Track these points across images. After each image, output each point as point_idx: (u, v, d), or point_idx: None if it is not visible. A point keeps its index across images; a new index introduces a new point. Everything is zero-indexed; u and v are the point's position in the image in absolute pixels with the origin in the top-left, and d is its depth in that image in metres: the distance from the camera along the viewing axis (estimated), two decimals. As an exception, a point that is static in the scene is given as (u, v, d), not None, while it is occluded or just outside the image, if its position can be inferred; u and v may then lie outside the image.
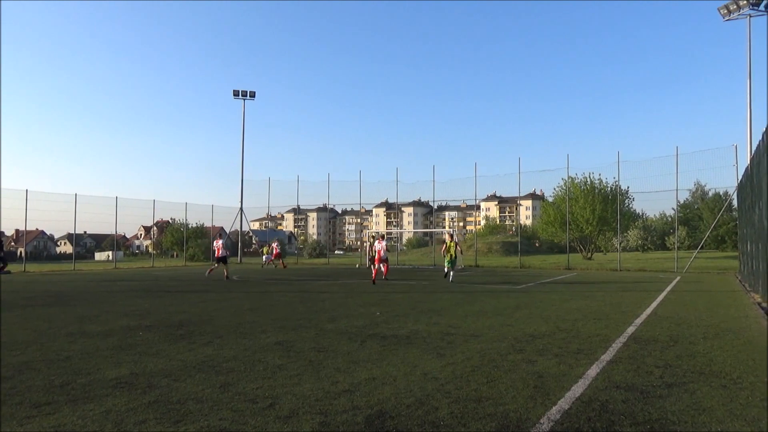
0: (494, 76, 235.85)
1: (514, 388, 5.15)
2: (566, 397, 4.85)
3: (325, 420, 4.22)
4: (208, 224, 48.13)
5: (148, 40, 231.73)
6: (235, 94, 45.31)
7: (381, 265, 20.83)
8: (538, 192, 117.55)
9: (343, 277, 22.84)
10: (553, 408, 4.53)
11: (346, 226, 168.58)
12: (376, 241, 21.36)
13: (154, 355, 6.68)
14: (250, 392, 5.00)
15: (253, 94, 45.58)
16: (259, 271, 29.13)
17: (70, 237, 32.19)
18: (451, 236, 23.04)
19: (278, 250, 34.01)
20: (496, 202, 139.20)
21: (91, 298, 14.34)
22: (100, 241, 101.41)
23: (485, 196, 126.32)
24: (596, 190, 44.00)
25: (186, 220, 47.94)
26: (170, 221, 65.70)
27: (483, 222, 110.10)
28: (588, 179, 44.49)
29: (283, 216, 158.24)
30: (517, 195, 35.48)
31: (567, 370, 5.88)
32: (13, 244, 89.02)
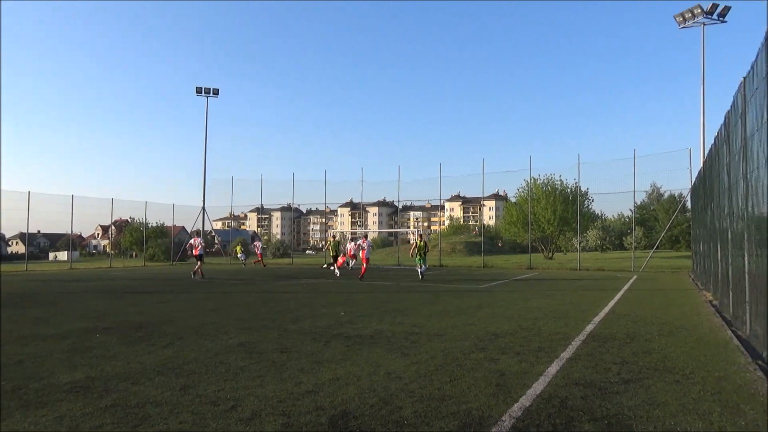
0: (458, 78, 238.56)
1: (477, 386, 5.21)
2: (527, 394, 4.93)
3: (288, 421, 4.19)
4: (168, 224, 47.16)
5: (106, 35, 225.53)
6: (198, 91, 44.49)
7: (354, 262, 22.28)
8: (501, 193, 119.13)
9: (306, 277, 22.70)
10: (515, 405, 4.60)
11: (311, 225, 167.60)
12: (361, 240, 22.68)
13: (111, 358, 6.50)
14: (211, 394, 4.92)
15: (216, 92, 44.84)
16: (229, 272, 28.67)
17: (22, 236, 31.04)
18: (421, 236, 23.76)
19: (260, 251, 36.31)
20: (460, 203, 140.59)
21: (44, 299, 13.87)
22: (55, 241, 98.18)
23: (449, 197, 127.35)
24: (557, 191, 44.90)
25: (146, 219, 46.88)
26: (129, 220, 64.09)
27: (447, 222, 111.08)
28: (549, 180, 45.39)
29: (246, 215, 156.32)
30: (480, 195, 35.90)
31: (528, 367, 5.99)
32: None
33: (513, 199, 49.99)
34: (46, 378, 5.53)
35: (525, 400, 4.74)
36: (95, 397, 4.86)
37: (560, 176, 45.51)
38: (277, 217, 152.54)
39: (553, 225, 44.14)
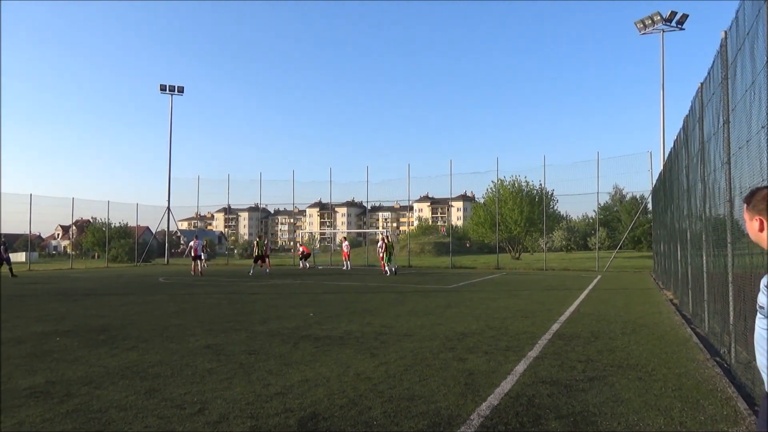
0: (426, 80, 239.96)
1: (446, 385, 5.24)
2: (495, 393, 4.99)
3: (257, 424, 4.14)
4: (132, 223, 46.07)
5: (69, 29, 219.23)
6: (162, 88, 43.62)
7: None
8: (469, 193, 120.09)
9: (274, 278, 22.50)
10: (483, 404, 4.65)
11: (279, 226, 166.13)
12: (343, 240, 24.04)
13: (72, 362, 6.32)
14: (177, 398, 4.83)
15: (181, 90, 44.04)
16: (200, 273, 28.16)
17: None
18: (387, 237, 24.65)
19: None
20: (429, 203, 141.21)
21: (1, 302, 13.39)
22: (13, 242, 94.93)
23: (418, 197, 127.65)
24: (524, 192, 45.52)
25: (108, 219, 45.68)
26: (91, 220, 62.37)
27: (416, 223, 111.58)
28: (516, 182, 45.97)
29: (213, 215, 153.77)
30: (449, 196, 36.15)
31: (496, 366, 6.06)
32: None
33: (481, 200, 50.46)
34: (3, 383, 5.35)
35: (493, 399, 4.79)
36: (56, 402, 4.72)
37: (526, 178, 46.14)
38: (244, 217, 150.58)
39: (519, 226, 44.72)
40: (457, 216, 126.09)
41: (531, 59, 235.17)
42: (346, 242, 32.45)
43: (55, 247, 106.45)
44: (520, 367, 6.01)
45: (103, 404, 4.65)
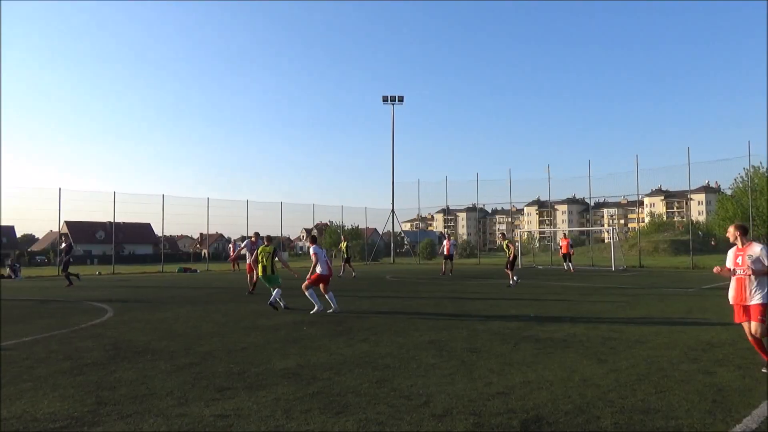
0: (654, 55, 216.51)
1: (688, 400, 4.68)
2: (753, 415, 4.30)
3: (479, 421, 4.20)
4: (362, 226, 50.34)
5: (307, 51, 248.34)
6: (384, 99, 46.74)
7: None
8: (712, 184, 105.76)
9: (495, 278, 22.50)
10: (737, 426, 4.05)
11: (497, 225, 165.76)
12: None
13: (317, 350, 7.14)
14: (405, 389, 5.14)
15: (401, 99, 46.69)
16: (417, 272, 29.74)
17: (242, 239, 35.97)
18: (506, 238, 21.37)
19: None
20: (662, 197, 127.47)
21: (262, 295, 15.71)
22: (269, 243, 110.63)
23: (649, 191, 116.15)
24: (787, 180, 38.36)
25: (342, 222, 50.68)
26: (328, 223, 69.72)
27: (647, 219, 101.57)
28: (775, 168, 38.92)
29: (433, 217, 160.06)
30: (686, 188, 32.19)
31: (753, 384, 5.21)
32: (198, 246, 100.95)
33: (728, 192, 43.85)
34: (264, 364, 6.28)
35: (750, 422, 4.13)
36: (304, 383, 5.38)
37: (791, 162, 38.81)
38: (462, 217, 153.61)
39: (782, 220, 37.77)
40: (698, 210, 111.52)
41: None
42: (566, 241, 29.23)
43: (301, 248, 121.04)
44: (787, 387, 5.08)
45: (342, 389, 5.16)
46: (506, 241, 20.00)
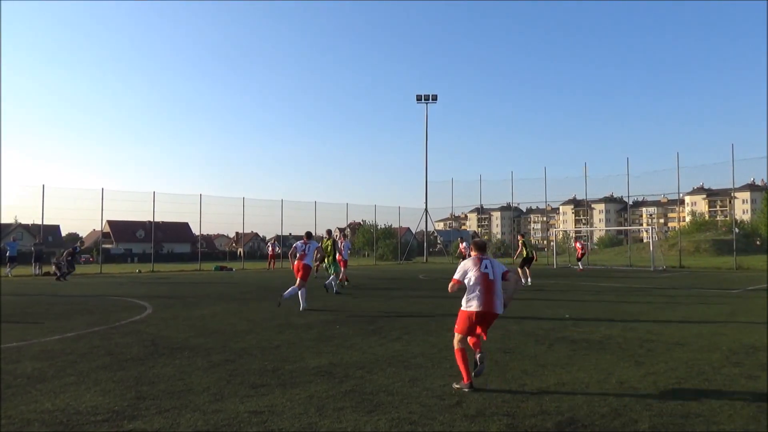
0: (696, 49, 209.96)
1: (731, 406, 4.54)
2: (800, 421, 4.14)
3: (513, 422, 4.15)
4: (395, 225, 50.36)
5: (343, 50, 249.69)
6: (418, 98, 46.64)
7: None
8: (758, 182, 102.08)
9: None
10: (783, 433, 3.90)
11: (531, 224, 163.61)
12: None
13: (349, 348, 7.19)
14: (437, 388, 5.12)
15: (435, 98, 46.52)
16: (450, 270, 29.60)
17: (278, 238, 36.37)
18: (523, 236, 21.03)
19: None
20: (704, 196, 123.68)
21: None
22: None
23: (690, 189, 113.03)
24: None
25: (375, 221, 50.78)
26: (361, 223, 70.02)
27: (688, 218, 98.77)
28: (826, 165, 37.38)
29: (466, 216, 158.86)
30: (730, 186, 31.18)
31: (800, 389, 5.02)
32: (234, 244, 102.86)
33: (775, 190, 42.27)
34: (297, 362, 6.35)
35: (797, 428, 3.98)
36: (337, 381, 5.42)
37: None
38: (496, 216, 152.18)
39: (832, 219, 36.22)
40: (742, 209, 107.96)
41: None
42: (579, 242, 29.82)
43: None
44: (837, 394, 4.87)
45: (374, 387, 5.18)
46: (522, 240, 19.99)
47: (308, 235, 12.73)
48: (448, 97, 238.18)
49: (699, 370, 5.82)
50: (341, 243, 15.28)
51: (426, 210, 46.05)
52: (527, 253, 18.97)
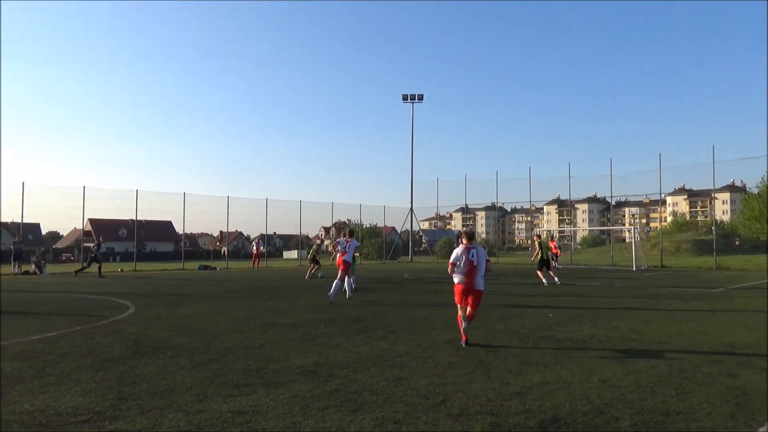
0: (679, 52, 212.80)
1: (710, 403, 4.61)
2: (777, 418, 4.22)
3: (496, 421, 4.18)
4: (380, 224, 50.37)
5: (326, 49, 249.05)
6: (404, 98, 46.66)
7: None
8: (737, 183, 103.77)
9: (513, 277, 22.37)
10: (760, 429, 3.98)
11: (516, 224, 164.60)
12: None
13: (334, 347, 7.17)
14: (422, 388, 5.13)
15: (421, 98, 46.57)
16: (435, 270, 29.68)
17: (262, 237, 36.17)
18: (539, 236, 21.66)
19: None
20: (685, 196, 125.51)
21: (280, 292, 15.84)
22: (288, 241, 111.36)
23: (672, 190, 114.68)
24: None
25: (360, 220, 50.75)
26: (347, 222, 69.97)
27: (670, 218, 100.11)
28: (804, 167, 38.11)
29: (451, 215, 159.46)
30: (711, 187, 31.67)
31: (778, 387, 5.11)
32: (218, 243, 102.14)
33: (754, 191, 43.05)
34: (282, 361, 6.33)
35: (774, 425, 4.06)
36: (321, 381, 5.41)
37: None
38: (481, 216, 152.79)
39: (810, 219, 36.96)
40: (722, 210, 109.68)
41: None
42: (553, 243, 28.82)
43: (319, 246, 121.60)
44: (813, 391, 4.97)
45: (359, 387, 5.17)
46: (538, 241, 19.87)
47: (350, 233, 14.03)
48: (434, 97, 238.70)
49: (679, 368, 5.90)
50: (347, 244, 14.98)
51: (411, 209, 46.16)
52: (542, 255, 18.62)
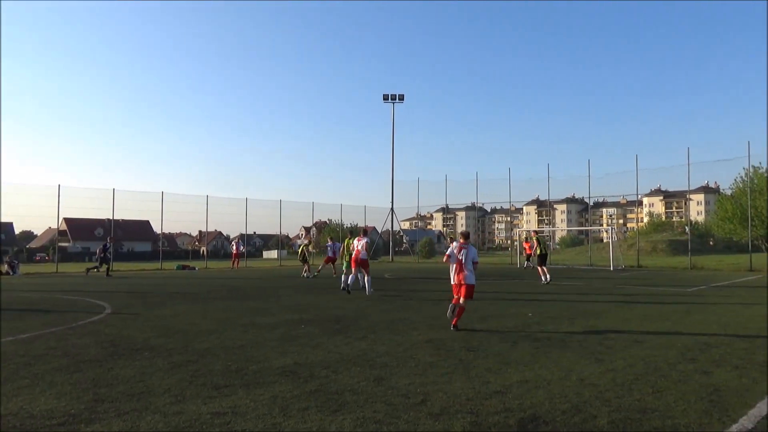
0: (656, 57, 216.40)
1: (685, 400, 4.69)
2: (749, 414, 4.31)
3: (477, 420, 4.20)
4: (361, 224, 50.31)
5: (307, 48, 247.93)
6: (385, 98, 46.63)
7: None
8: (711, 185, 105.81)
9: (492, 277, 22.51)
10: (733, 426, 4.06)
11: (496, 224, 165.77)
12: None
13: (314, 347, 7.14)
14: (402, 387, 5.14)
15: (402, 98, 46.59)
16: (416, 270, 29.73)
17: (242, 237, 35.83)
18: (537, 233, 23.06)
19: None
20: (661, 197, 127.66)
21: (260, 293, 15.73)
22: (267, 241, 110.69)
23: (648, 191, 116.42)
24: (786, 181, 38.38)
25: (341, 220, 50.63)
26: (327, 222, 69.70)
27: (646, 219, 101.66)
28: (776, 168, 38.93)
29: (432, 215, 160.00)
30: (686, 189, 32.23)
31: (750, 384, 5.23)
32: (197, 243, 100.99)
33: (728, 192, 43.89)
34: (262, 362, 6.28)
35: (746, 422, 4.15)
36: (302, 381, 5.38)
37: (790, 163, 38.80)
38: (461, 216, 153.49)
39: (781, 220, 37.78)
40: (697, 211, 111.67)
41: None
42: (528, 244, 29.44)
43: (299, 246, 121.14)
44: (784, 388, 5.09)
45: (339, 387, 5.16)
46: (535, 236, 21.28)
47: (364, 232, 15.66)
48: (415, 97, 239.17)
49: (656, 366, 6.00)
50: (359, 242, 15.38)
51: (392, 209, 46.19)
52: (541, 250, 19.79)
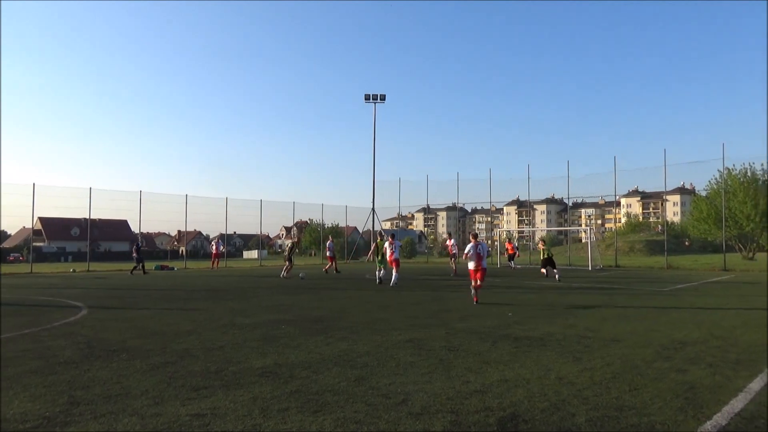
0: (634, 61, 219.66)
1: (661, 398, 4.77)
2: (723, 411, 4.40)
3: (457, 419, 4.22)
4: (342, 224, 50.21)
5: (288, 49, 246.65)
6: (366, 98, 46.56)
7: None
8: (687, 186, 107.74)
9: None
10: (708, 423, 4.13)
11: (476, 225, 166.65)
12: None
13: (294, 348, 7.11)
14: (383, 387, 5.14)
15: (383, 98, 46.56)
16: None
17: (222, 237, 35.46)
18: (544, 241, 24.02)
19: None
20: (639, 198, 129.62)
21: (240, 293, 15.61)
22: (248, 241, 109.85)
23: (626, 192, 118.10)
24: (759, 182, 39.27)
25: (322, 220, 50.46)
26: (308, 222, 69.37)
27: (624, 219, 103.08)
28: (748, 170, 39.84)
29: (413, 215, 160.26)
30: (662, 190, 32.77)
31: (723, 381, 5.33)
32: (176, 243, 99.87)
33: (703, 193, 44.72)
34: (242, 362, 6.24)
35: (720, 418, 4.23)
36: (282, 382, 5.35)
37: (763, 165, 39.71)
38: (442, 216, 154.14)
39: (754, 221, 38.65)
40: (673, 211, 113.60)
41: None
42: (511, 245, 30.40)
43: (280, 246, 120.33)
44: (756, 385, 5.20)
45: (320, 387, 5.15)
46: (540, 243, 23.25)
47: (392, 235, 18.99)
48: (397, 98, 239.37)
49: (633, 364, 6.09)
50: (390, 243, 18.71)
51: (373, 209, 46.10)
52: (546, 254, 21.92)
